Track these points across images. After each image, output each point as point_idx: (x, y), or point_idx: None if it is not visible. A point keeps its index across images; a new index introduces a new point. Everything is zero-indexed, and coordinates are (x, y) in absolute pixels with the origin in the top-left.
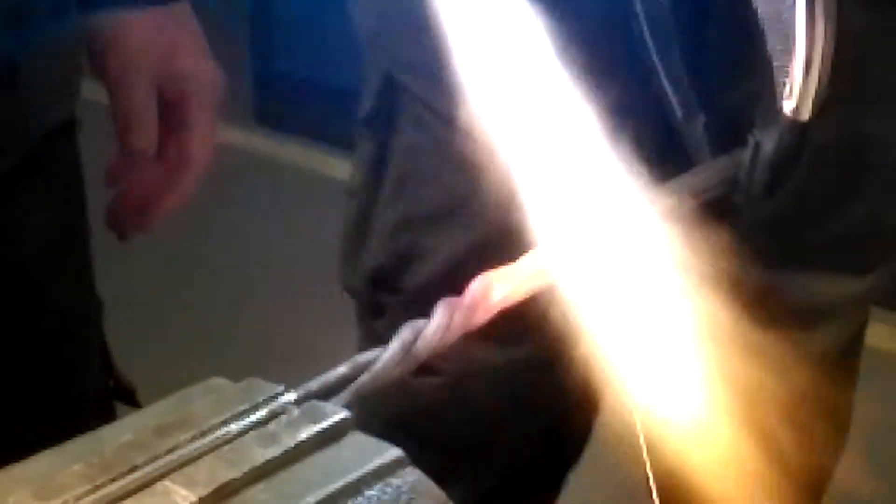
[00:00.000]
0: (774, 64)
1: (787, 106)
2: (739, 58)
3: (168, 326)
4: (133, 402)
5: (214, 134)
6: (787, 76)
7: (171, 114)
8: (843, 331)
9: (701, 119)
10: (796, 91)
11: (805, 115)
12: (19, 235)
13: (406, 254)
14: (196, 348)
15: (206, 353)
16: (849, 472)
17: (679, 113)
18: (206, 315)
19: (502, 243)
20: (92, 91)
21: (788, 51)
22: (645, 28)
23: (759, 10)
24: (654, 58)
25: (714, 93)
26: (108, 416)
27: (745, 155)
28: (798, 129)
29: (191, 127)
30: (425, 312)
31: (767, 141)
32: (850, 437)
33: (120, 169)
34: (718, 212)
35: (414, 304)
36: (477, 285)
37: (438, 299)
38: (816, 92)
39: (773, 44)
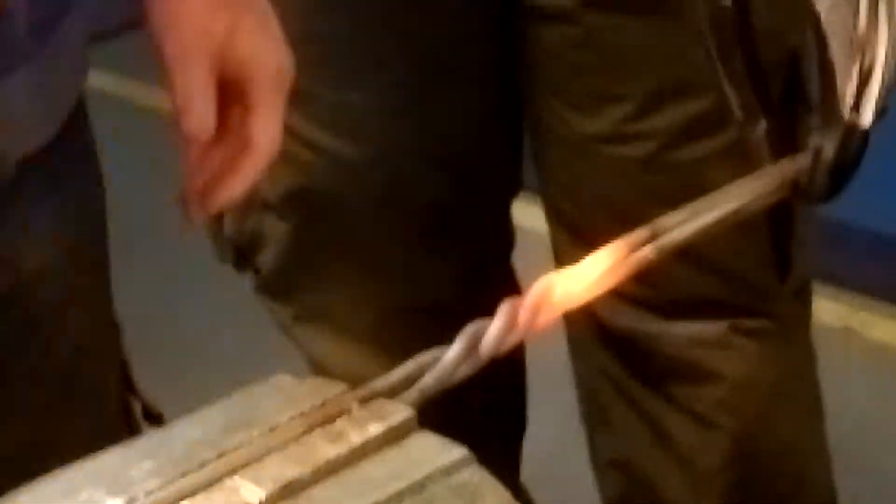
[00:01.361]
0: (837, 69)
1: (849, 111)
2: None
3: (184, 341)
4: (160, 424)
5: (280, 118)
6: (849, 81)
7: (236, 97)
8: None
9: (762, 124)
10: (858, 96)
11: (866, 120)
12: (18, 258)
13: (252, 233)
14: (217, 362)
15: (226, 366)
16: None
17: (739, 116)
18: (225, 326)
19: (341, 231)
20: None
21: (851, 55)
22: (707, 29)
23: (821, 15)
24: (716, 61)
25: (775, 98)
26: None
27: (806, 160)
28: (859, 135)
29: (254, 111)
30: (281, 295)
31: (829, 146)
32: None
33: (188, 156)
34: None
35: (273, 285)
36: (539, 285)
37: (289, 284)
38: (878, 97)
39: (835, 48)
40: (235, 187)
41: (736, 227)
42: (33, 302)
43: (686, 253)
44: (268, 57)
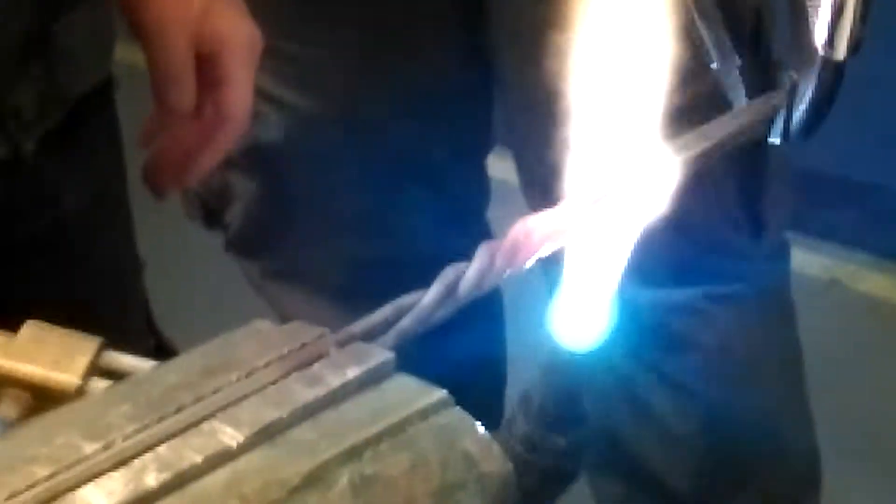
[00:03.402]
0: (808, 3)
1: (822, 45)
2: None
3: (207, 285)
4: None
5: (251, 91)
6: (820, 16)
7: (207, 71)
8: None
9: (736, 61)
10: (831, 31)
11: (841, 53)
12: (60, 198)
13: (219, 190)
14: (236, 305)
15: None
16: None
17: (714, 55)
18: (234, 271)
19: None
20: (129, 53)
21: None
22: None
23: None
24: (687, 1)
25: (749, 35)
26: None
27: (781, 97)
28: (834, 69)
29: (228, 84)
30: (250, 252)
31: (803, 82)
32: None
33: (156, 127)
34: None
35: (242, 242)
36: (518, 228)
37: (258, 240)
38: (851, 30)
39: None
40: (211, 158)
41: (707, 187)
42: (67, 239)
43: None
44: (241, 31)
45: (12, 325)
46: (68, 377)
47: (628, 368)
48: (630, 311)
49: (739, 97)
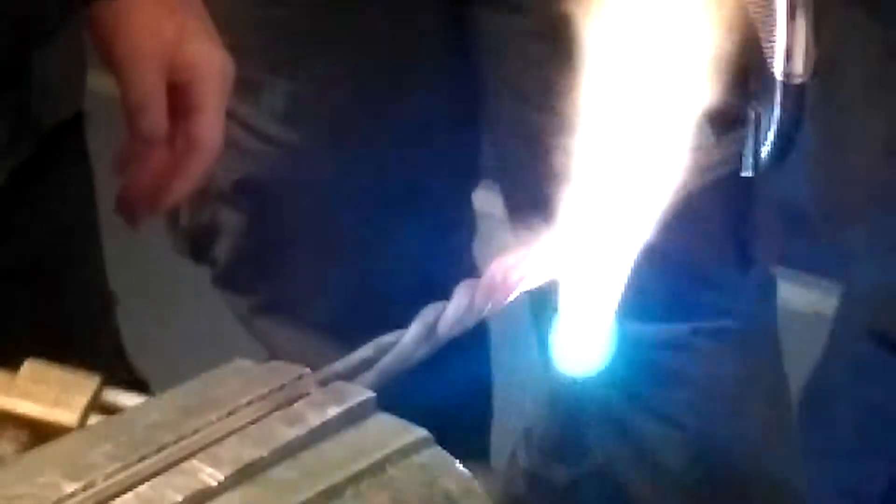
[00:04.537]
0: (761, 31)
1: (780, 70)
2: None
3: (178, 317)
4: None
5: (223, 119)
6: (774, 40)
7: (179, 99)
8: None
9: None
10: (786, 53)
11: (799, 75)
12: (32, 229)
13: (207, 224)
14: (207, 339)
15: (217, 343)
16: None
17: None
18: (218, 306)
19: (295, 220)
20: (99, 83)
21: (771, 14)
22: None
23: None
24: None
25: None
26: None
27: (749, 128)
28: (795, 92)
29: (199, 112)
30: (238, 287)
31: (766, 107)
32: None
33: (129, 155)
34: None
35: (230, 276)
36: (495, 267)
37: (246, 275)
38: (806, 52)
39: (754, 10)
40: (183, 186)
41: (694, 222)
42: (37, 272)
43: (646, 250)
44: (212, 60)
45: None
46: (68, 415)
47: (617, 402)
48: (618, 346)
49: (706, 135)
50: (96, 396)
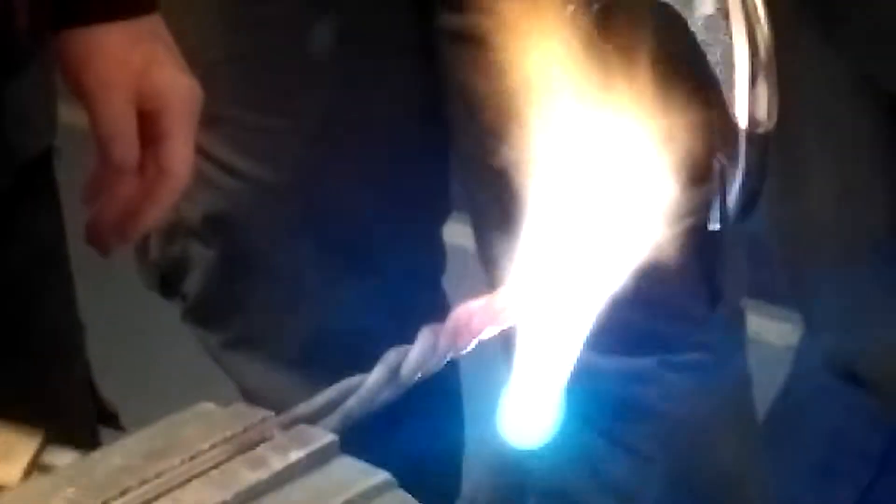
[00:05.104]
0: (721, 82)
1: (743, 120)
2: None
3: (148, 349)
4: (116, 426)
5: (192, 146)
6: (734, 91)
7: (148, 127)
8: None
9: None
10: (750, 104)
11: (762, 126)
12: (1, 261)
13: (177, 259)
14: (177, 370)
15: (187, 374)
16: None
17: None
18: (188, 338)
19: (264, 256)
20: (68, 115)
21: (730, 64)
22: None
23: (696, 35)
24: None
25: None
26: (91, 439)
27: (713, 183)
28: (759, 142)
29: (169, 139)
30: (208, 322)
31: (732, 163)
32: None
33: (98, 184)
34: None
35: (199, 312)
36: (460, 311)
37: (216, 311)
38: (769, 100)
39: (714, 61)
40: (153, 215)
41: (664, 257)
42: (7, 301)
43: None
44: (181, 86)
45: None
46: (10, 472)
47: (585, 436)
48: (586, 380)
49: (673, 188)
50: (38, 454)
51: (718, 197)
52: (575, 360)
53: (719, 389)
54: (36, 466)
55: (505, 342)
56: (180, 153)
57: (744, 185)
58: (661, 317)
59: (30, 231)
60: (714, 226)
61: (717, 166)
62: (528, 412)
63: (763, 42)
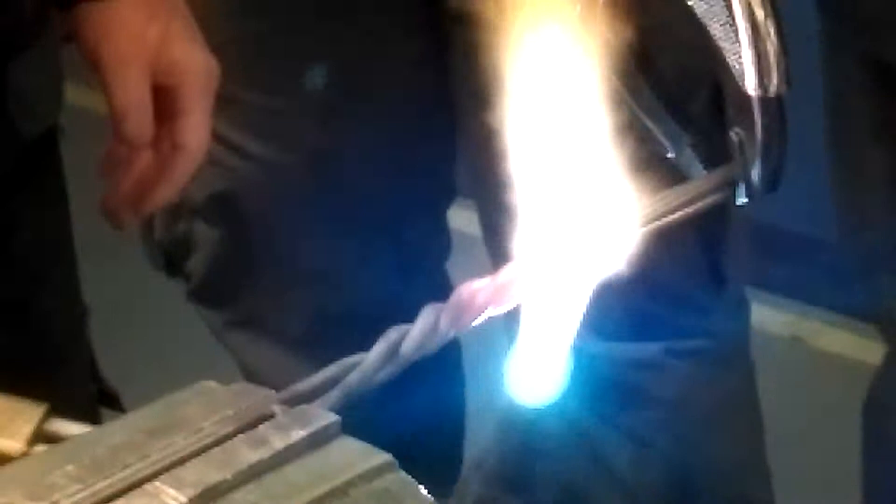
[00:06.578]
0: (726, 49)
1: (752, 86)
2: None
3: (151, 331)
4: (117, 408)
5: (209, 122)
6: (742, 60)
7: (165, 102)
8: None
9: (687, 140)
10: (756, 66)
11: (773, 89)
12: (5, 244)
13: (182, 239)
14: (179, 353)
15: (189, 357)
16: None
17: (665, 142)
18: (191, 320)
19: (269, 236)
20: (74, 96)
21: (735, 29)
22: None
23: (696, 10)
24: (628, 97)
25: (687, 110)
26: (93, 421)
27: (734, 158)
28: (773, 107)
29: (185, 115)
30: (211, 302)
31: (749, 133)
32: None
33: (114, 159)
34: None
35: (204, 291)
36: (462, 290)
37: (220, 291)
38: (777, 63)
39: (716, 28)
40: (168, 190)
41: (667, 242)
42: (10, 283)
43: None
44: (197, 61)
45: None
46: (13, 443)
47: (587, 422)
48: (589, 365)
49: (698, 172)
50: (41, 424)
51: (742, 171)
52: (577, 344)
53: (722, 376)
54: (41, 437)
55: (508, 317)
56: (196, 129)
57: (764, 154)
58: (665, 303)
59: (34, 210)
60: (741, 200)
61: (735, 140)
62: (534, 369)
63: (763, 3)
